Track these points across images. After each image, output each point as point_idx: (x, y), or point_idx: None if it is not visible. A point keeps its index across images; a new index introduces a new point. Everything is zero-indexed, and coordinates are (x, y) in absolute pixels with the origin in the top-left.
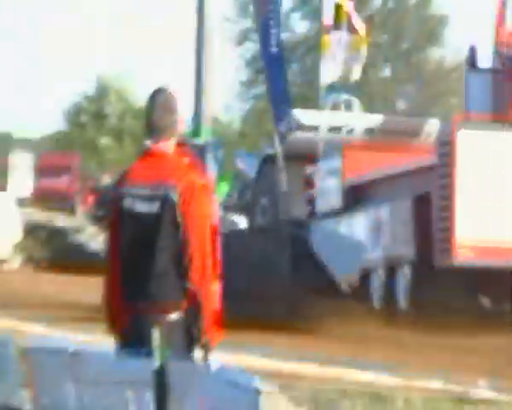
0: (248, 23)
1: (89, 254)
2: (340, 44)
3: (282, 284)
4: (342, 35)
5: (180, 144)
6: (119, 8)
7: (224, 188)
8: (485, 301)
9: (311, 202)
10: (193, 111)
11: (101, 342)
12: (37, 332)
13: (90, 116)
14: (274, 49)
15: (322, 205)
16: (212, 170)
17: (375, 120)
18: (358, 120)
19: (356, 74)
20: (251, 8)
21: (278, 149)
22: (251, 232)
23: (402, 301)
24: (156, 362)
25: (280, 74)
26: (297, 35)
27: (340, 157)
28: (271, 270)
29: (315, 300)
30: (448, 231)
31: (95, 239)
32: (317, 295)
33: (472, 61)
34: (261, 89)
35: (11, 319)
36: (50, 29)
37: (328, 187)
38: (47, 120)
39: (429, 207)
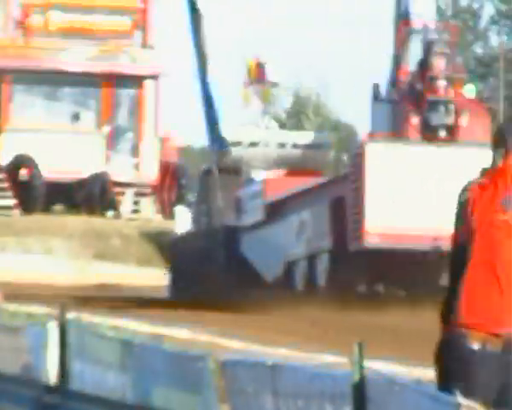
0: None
1: None
2: None
3: (217, 276)
4: None
5: None
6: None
7: None
8: (381, 286)
9: (239, 216)
10: None
11: (299, 355)
12: (234, 347)
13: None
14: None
15: (248, 219)
16: None
17: (287, 135)
18: (273, 135)
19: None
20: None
21: (213, 164)
22: (192, 235)
23: (321, 284)
24: (356, 375)
25: (213, 100)
26: (494, 50)
27: (262, 183)
28: (208, 265)
29: (244, 288)
30: (359, 221)
31: None
32: (246, 285)
33: (375, 95)
34: None
35: (208, 334)
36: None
37: (253, 205)
38: None
39: (343, 207)
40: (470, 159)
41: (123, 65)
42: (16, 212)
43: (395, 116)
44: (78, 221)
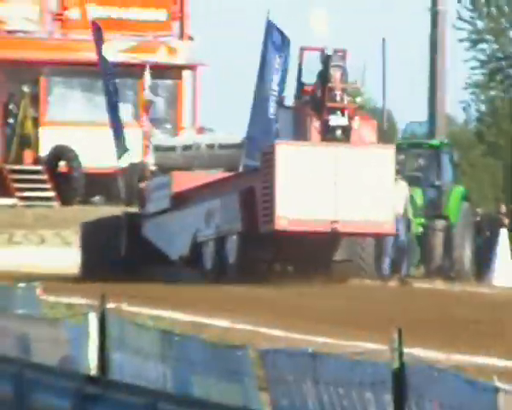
0: (483, 23)
1: None
2: None
3: (121, 256)
4: None
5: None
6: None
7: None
8: (280, 264)
9: (144, 204)
10: (427, 112)
11: (340, 343)
12: (274, 335)
13: None
14: None
15: (152, 207)
16: (446, 172)
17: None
18: (202, 138)
19: None
20: (485, 8)
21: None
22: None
23: (231, 262)
24: (396, 363)
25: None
26: None
27: (170, 176)
28: (112, 248)
29: (150, 268)
30: (270, 208)
31: None
32: (150, 263)
33: (281, 102)
34: (497, 90)
35: (248, 325)
36: None
37: (159, 195)
38: None
39: (254, 196)
40: (361, 157)
41: (160, 56)
42: (55, 204)
43: (299, 121)
44: (117, 212)
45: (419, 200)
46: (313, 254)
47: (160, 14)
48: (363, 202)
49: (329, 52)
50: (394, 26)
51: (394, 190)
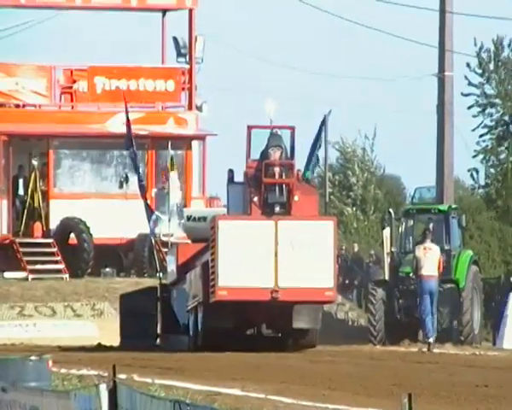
0: (490, 89)
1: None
2: None
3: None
4: None
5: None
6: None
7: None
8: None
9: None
10: (435, 176)
11: (347, 409)
12: (282, 403)
13: (334, 186)
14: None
15: (169, 277)
16: (454, 236)
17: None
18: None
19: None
20: (490, 74)
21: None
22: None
23: (200, 329)
24: None
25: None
26: None
27: (175, 249)
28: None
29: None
30: (214, 280)
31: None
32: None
33: (231, 178)
34: (505, 154)
35: (258, 392)
36: None
37: (172, 266)
38: None
39: (208, 269)
40: (301, 228)
41: (169, 127)
42: (66, 276)
43: (243, 197)
44: (128, 284)
45: None
46: (272, 322)
47: (168, 86)
48: (304, 271)
49: (278, 131)
50: (403, 92)
51: (425, 253)
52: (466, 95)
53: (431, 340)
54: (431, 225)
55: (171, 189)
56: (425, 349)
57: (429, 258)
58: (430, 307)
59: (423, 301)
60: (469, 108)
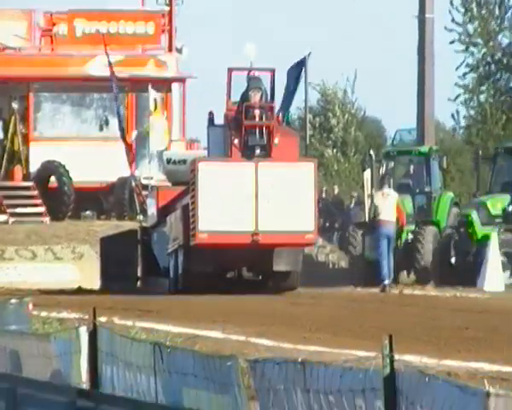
0: (473, 27)
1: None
2: None
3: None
4: None
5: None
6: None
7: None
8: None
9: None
10: (416, 118)
11: (331, 351)
12: (263, 346)
13: (315, 129)
14: None
15: (149, 220)
16: (435, 178)
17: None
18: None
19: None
20: (475, 11)
21: None
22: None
23: (179, 273)
24: (386, 370)
25: None
26: None
27: (155, 192)
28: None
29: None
30: (194, 223)
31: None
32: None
33: (211, 121)
34: (486, 95)
35: (239, 335)
36: None
37: (152, 209)
38: None
39: (188, 212)
40: (281, 171)
41: (149, 70)
42: (46, 219)
43: (224, 139)
44: (108, 227)
45: (408, 207)
46: (253, 266)
47: (148, 28)
48: (284, 214)
49: (256, 73)
50: (383, 33)
51: (383, 198)
52: (449, 30)
53: (386, 282)
54: (386, 172)
55: (153, 133)
56: (378, 290)
57: (387, 204)
58: (387, 251)
59: (381, 246)
60: (451, 42)
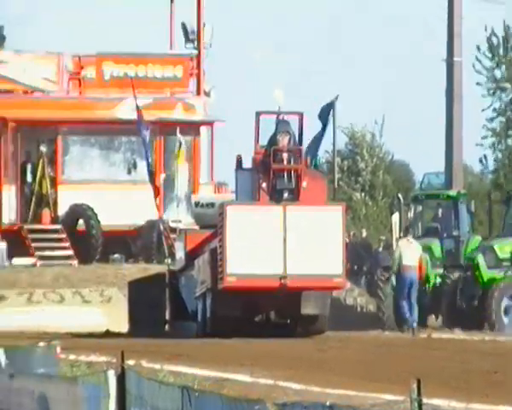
0: (500, 73)
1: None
2: None
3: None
4: None
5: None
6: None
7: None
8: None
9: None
10: (444, 161)
11: (358, 395)
12: (291, 389)
13: (343, 172)
14: None
15: (178, 264)
16: (463, 222)
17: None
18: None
19: None
20: (502, 56)
21: None
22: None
23: (208, 317)
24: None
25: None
26: None
27: (183, 235)
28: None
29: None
30: (222, 266)
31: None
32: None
33: (239, 165)
34: None
35: (267, 378)
36: None
37: (180, 253)
38: None
39: (216, 256)
40: (309, 215)
41: (177, 113)
42: (74, 262)
43: (252, 183)
44: (136, 270)
45: (436, 251)
46: (281, 309)
47: (177, 72)
48: (313, 258)
49: (285, 116)
50: (411, 77)
51: (408, 243)
52: (478, 72)
53: (414, 325)
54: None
55: (179, 178)
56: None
57: (411, 249)
58: (409, 295)
59: (402, 291)
60: (478, 84)
